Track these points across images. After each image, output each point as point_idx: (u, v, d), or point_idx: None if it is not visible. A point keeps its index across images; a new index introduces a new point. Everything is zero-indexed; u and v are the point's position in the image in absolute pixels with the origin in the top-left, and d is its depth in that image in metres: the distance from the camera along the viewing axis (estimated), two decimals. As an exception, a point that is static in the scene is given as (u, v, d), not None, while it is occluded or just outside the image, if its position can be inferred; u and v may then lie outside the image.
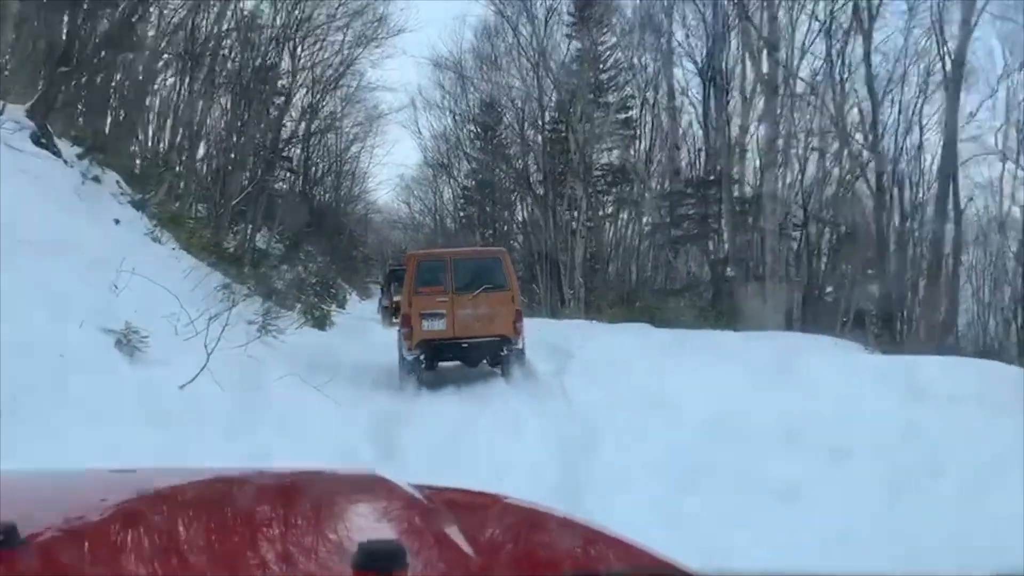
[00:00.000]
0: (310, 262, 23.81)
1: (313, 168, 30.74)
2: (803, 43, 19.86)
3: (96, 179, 9.87)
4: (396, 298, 10.59)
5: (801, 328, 16.09)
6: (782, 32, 17.65)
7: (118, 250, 6.53)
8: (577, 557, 1.18)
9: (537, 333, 10.92)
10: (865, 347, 9.70)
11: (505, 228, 33.00)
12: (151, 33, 14.56)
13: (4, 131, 8.05)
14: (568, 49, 27.24)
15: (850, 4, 17.24)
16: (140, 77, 15.37)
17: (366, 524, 1.25)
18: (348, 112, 29.27)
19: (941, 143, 14.26)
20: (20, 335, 4.03)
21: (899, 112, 19.96)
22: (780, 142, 16.83)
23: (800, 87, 18.89)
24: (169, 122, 18.40)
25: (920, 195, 20.54)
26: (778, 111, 16.49)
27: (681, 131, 24.55)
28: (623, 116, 27.17)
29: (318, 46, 23.55)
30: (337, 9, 22.09)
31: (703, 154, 23.75)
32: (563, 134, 26.48)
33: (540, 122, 27.54)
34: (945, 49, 16.97)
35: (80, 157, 10.00)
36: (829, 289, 21.47)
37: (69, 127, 11.55)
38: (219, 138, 20.55)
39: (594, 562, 1.16)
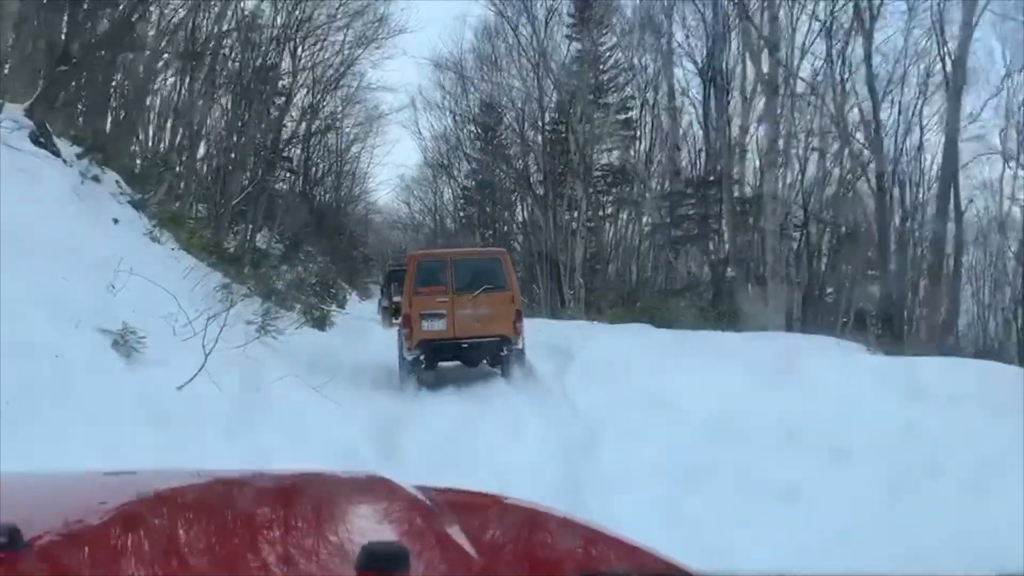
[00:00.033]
0: (310, 262, 23.83)
1: (313, 168, 30.74)
2: (803, 43, 19.88)
3: (95, 179, 9.85)
4: (396, 298, 10.57)
5: (801, 329, 16.08)
6: (782, 32, 17.64)
7: (116, 250, 6.51)
8: (579, 557, 1.18)
9: (537, 334, 10.91)
10: (867, 348, 9.68)
11: (505, 228, 33.01)
12: (151, 33, 14.56)
13: (3, 130, 8.03)
14: (568, 50, 27.28)
15: (851, 4, 17.23)
16: (140, 77, 15.36)
17: (368, 526, 1.25)
18: (348, 112, 29.33)
19: (942, 143, 14.28)
20: (15, 335, 4.01)
21: (899, 113, 20.00)
22: (781, 142, 16.81)
23: (800, 87, 18.90)
24: (169, 122, 18.41)
25: (920, 195, 20.57)
26: (779, 111, 16.46)
27: (681, 131, 24.57)
28: (623, 117, 27.17)
29: (318, 46, 23.58)
30: (338, 9, 22.12)
31: (703, 154, 23.77)
32: (563, 134, 26.48)
33: (540, 122, 27.54)
34: (945, 49, 16.98)
35: (79, 156, 9.97)
36: (829, 290, 21.47)
37: (69, 126, 11.53)
38: (219, 138, 20.55)
39: (596, 562, 1.16)
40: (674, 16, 22.51)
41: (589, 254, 26.19)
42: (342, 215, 33.83)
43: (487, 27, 28.90)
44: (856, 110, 18.27)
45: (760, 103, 20.20)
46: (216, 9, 16.30)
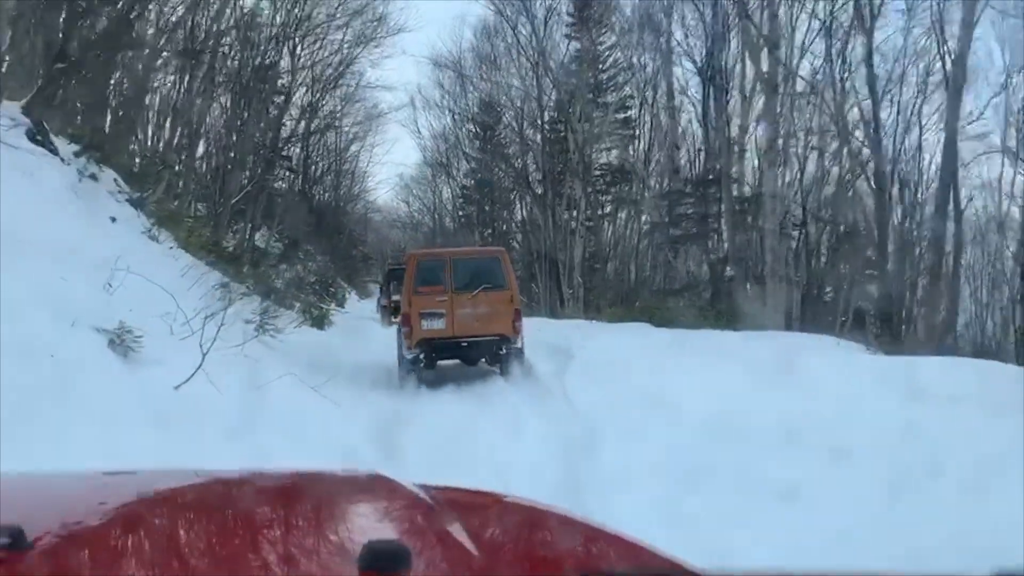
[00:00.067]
0: (309, 261, 23.80)
1: (313, 167, 30.70)
2: (803, 42, 19.87)
3: (93, 177, 9.82)
4: (395, 297, 10.59)
5: (800, 328, 16.07)
6: (782, 31, 17.62)
7: (114, 248, 6.48)
8: (580, 556, 1.18)
9: (537, 333, 10.91)
10: (866, 347, 9.65)
11: (504, 227, 32.99)
12: (150, 31, 14.52)
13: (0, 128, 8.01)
14: (567, 49, 27.26)
15: (851, 3, 17.23)
16: (139, 75, 15.32)
17: (370, 524, 1.25)
18: (348, 111, 29.27)
19: (942, 143, 14.27)
20: (10, 334, 3.99)
21: (898, 112, 19.99)
22: (780, 141, 16.79)
23: (800, 86, 18.89)
24: (168, 121, 18.36)
25: (920, 195, 20.57)
26: (778, 110, 16.45)
27: (680, 130, 24.55)
28: (622, 116, 27.15)
29: (318, 45, 23.56)
30: (337, 8, 22.08)
31: (702, 154, 23.73)
32: (562, 133, 26.46)
33: (539, 121, 27.52)
34: (945, 49, 16.98)
35: (77, 155, 9.94)
36: (827, 289, 21.45)
37: (67, 124, 11.50)
38: (218, 137, 20.52)
39: (597, 561, 1.16)
40: (673, 15, 22.53)
41: (588, 253, 26.17)
42: (341, 214, 33.80)
43: (486, 26, 28.93)
44: (856, 109, 18.28)
45: (759, 102, 20.20)
46: (215, 7, 16.27)
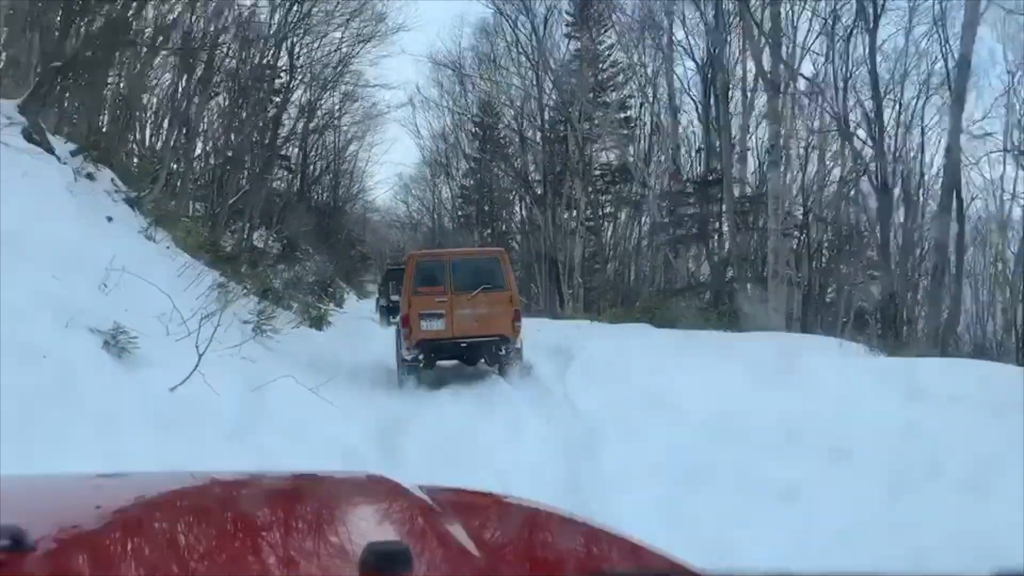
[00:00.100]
0: (307, 261, 23.74)
1: (311, 167, 30.64)
2: (804, 41, 19.85)
3: (90, 176, 9.75)
4: (394, 297, 10.60)
5: (801, 329, 16.04)
6: (784, 30, 17.57)
7: (109, 248, 6.43)
8: (581, 556, 1.18)
9: (537, 334, 10.88)
10: (869, 348, 9.60)
11: (504, 227, 32.97)
12: (148, 30, 14.46)
13: (-4, 127, 7.96)
14: (567, 48, 27.23)
15: (853, 1, 17.17)
16: (136, 74, 15.26)
17: (370, 526, 1.25)
18: (346, 110, 29.20)
19: (945, 143, 14.21)
20: (1, 335, 3.94)
21: (899, 112, 19.97)
22: (782, 140, 16.74)
23: (802, 85, 18.85)
24: (166, 120, 18.33)
25: (922, 195, 20.53)
26: (780, 109, 16.40)
27: (681, 129, 24.52)
28: (623, 115, 27.11)
29: (316, 44, 23.49)
30: (336, 7, 22.01)
31: (703, 153, 23.69)
32: (562, 133, 26.41)
33: (539, 121, 27.47)
34: (947, 48, 16.94)
35: (74, 154, 9.88)
36: (829, 290, 21.41)
37: (63, 124, 11.45)
38: (216, 136, 20.48)
39: (599, 561, 1.16)
40: (674, 14, 22.48)
41: (588, 253, 26.13)
42: (340, 214, 33.72)
43: (486, 25, 28.90)
44: (858, 109, 18.24)
45: (760, 101, 20.17)
46: (213, 5, 16.21)
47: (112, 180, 10.60)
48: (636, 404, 6.61)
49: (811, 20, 19.54)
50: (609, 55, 27.16)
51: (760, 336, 11.13)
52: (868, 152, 17.37)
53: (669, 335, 11.99)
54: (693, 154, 25.20)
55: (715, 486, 4.56)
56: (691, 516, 3.96)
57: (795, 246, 20.00)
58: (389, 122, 42.94)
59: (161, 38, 14.24)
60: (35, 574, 0.84)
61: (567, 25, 26.95)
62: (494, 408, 7.58)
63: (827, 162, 21.93)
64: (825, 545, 3.53)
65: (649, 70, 25.17)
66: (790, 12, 18.87)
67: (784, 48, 17.30)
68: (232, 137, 19.53)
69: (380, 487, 1.40)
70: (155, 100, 18.58)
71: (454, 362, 9.99)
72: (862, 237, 19.70)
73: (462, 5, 40.52)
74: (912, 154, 20.74)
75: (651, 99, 25.51)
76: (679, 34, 22.84)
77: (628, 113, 27.26)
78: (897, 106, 19.96)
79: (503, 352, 9.31)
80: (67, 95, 12.11)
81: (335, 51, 24.07)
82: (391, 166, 62.07)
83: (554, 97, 26.59)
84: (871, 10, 16.46)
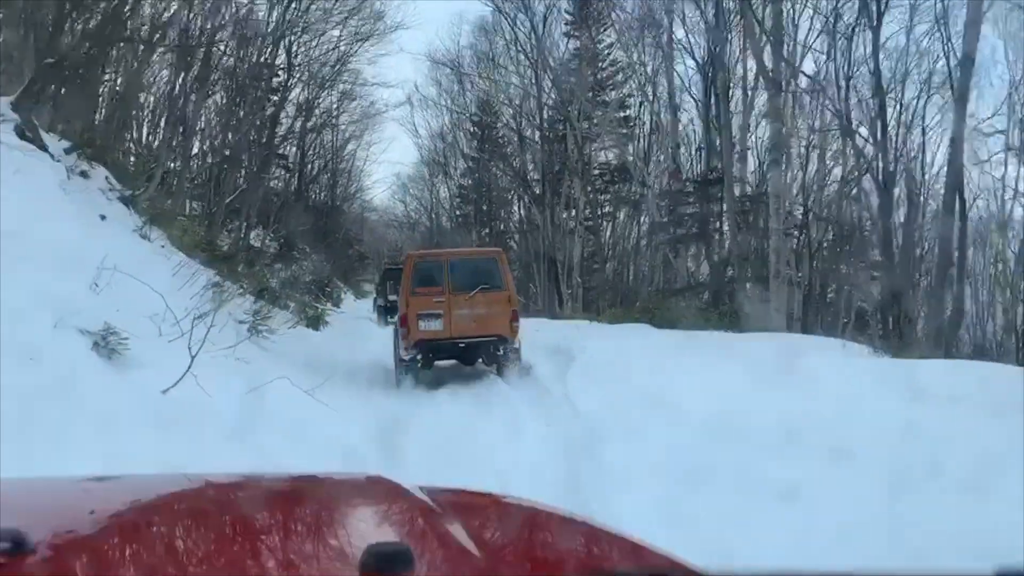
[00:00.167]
0: (305, 260, 23.64)
1: (309, 166, 30.52)
2: (806, 39, 19.77)
3: (84, 174, 9.64)
4: (392, 297, 10.57)
5: (801, 329, 15.95)
6: (785, 28, 17.49)
7: (102, 247, 6.31)
8: (581, 556, 1.19)
9: (535, 334, 10.84)
10: (872, 349, 9.52)
11: (502, 227, 32.87)
12: (145, 27, 14.31)
13: (-12, 124, 7.83)
14: (567, 46, 27.13)
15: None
16: (133, 71, 15.13)
17: (372, 527, 1.25)
18: (344, 109, 29.08)
19: (947, 143, 14.13)
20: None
21: (900, 111, 19.89)
22: (784, 139, 16.64)
23: (803, 83, 18.76)
24: (163, 118, 18.17)
25: (923, 194, 20.45)
26: (782, 108, 16.30)
27: (681, 127, 24.42)
28: (622, 114, 27.00)
29: (315, 42, 23.36)
30: (334, 5, 21.88)
31: (703, 152, 23.60)
32: (561, 132, 26.30)
33: (538, 120, 27.36)
34: (949, 46, 16.86)
35: (68, 152, 9.77)
36: (829, 290, 21.33)
37: (57, 121, 11.32)
38: (214, 135, 20.33)
39: (599, 561, 1.16)
40: (674, 12, 22.38)
41: (587, 253, 26.03)
42: (338, 213, 33.61)
43: (485, 23, 28.78)
44: (859, 107, 18.16)
45: (761, 100, 20.08)
46: (210, 2, 16.07)
47: (107, 178, 10.49)
48: (638, 404, 6.59)
49: (812, 18, 19.49)
50: (608, 54, 27.05)
51: (761, 336, 11.08)
52: (870, 150, 17.30)
53: (669, 335, 11.94)
54: (693, 153, 25.12)
55: (718, 487, 4.57)
56: (693, 517, 3.97)
57: (795, 246, 19.92)
58: (387, 121, 42.71)
59: (158, 35, 14.10)
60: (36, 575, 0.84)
61: (566, 24, 26.86)
62: (494, 409, 7.51)
63: (827, 161, 21.86)
64: (827, 545, 3.53)
65: (649, 69, 25.09)
66: (791, 10, 18.80)
67: (785, 46, 17.21)
68: (229, 136, 19.39)
69: (380, 488, 1.39)
70: (152, 98, 18.44)
71: (452, 362, 9.98)
72: (863, 236, 19.62)
73: (461, 3, 40.47)
74: (913, 154, 20.69)
75: (651, 98, 25.44)
76: (679, 33, 22.79)
77: (627, 112, 27.18)
78: (898, 106, 19.90)
79: (501, 352, 9.34)
80: (62, 92, 11.98)
81: (333, 49, 23.97)
82: (389, 165, 62.07)
83: (553, 96, 26.48)
84: (875, 7, 16.37)
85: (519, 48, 26.71)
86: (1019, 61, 17.98)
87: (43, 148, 9.15)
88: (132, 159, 15.64)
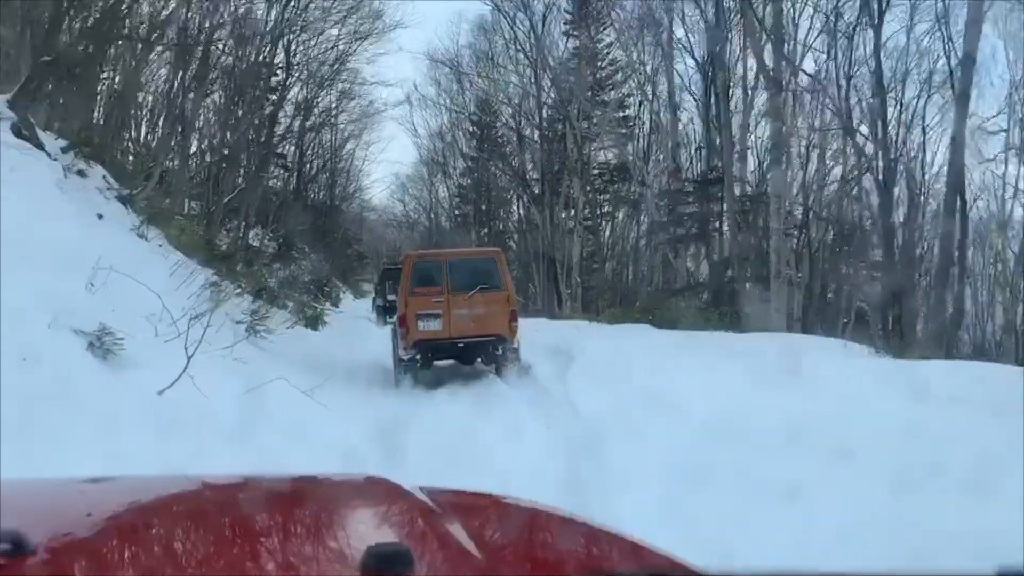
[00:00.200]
0: (303, 260, 23.57)
1: (307, 165, 30.44)
2: (806, 39, 19.73)
3: (81, 173, 9.59)
4: (391, 297, 10.54)
5: (801, 329, 15.90)
6: (786, 27, 17.44)
7: (98, 246, 6.25)
8: (582, 557, 1.19)
9: (535, 334, 10.82)
10: (875, 350, 9.48)
11: (501, 227, 32.80)
12: (143, 25, 14.24)
13: (-17, 122, 7.77)
14: (566, 46, 27.07)
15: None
16: (131, 70, 15.05)
17: (372, 527, 1.25)
18: (343, 108, 29.01)
19: (949, 141, 14.07)
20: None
21: (900, 111, 19.86)
22: (784, 139, 16.60)
23: (804, 82, 18.71)
24: (161, 117, 18.09)
25: (923, 194, 20.43)
26: (782, 107, 16.26)
27: (680, 127, 24.36)
28: (621, 114, 26.94)
29: (313, 41, 23.30)
30: (333, 3, 21.83)
31: (703, 152, 23.55)
32: (561, 132, 26.24)
33: (537, 119, 27.29)
34: (950, 46, 16.82)
35: (65, 150, 9.71)
36: (829, 290, 21.29)
37: (54, 120, 11.26)
38: (212, 134, 20.25)
39: (599, 561, 1.16)
40: (674, 11, 22.33)
41: (586, 253, 25.98)
42: (336, 213, 33.52)
43: (484, 22, 28.71)
44: (860, 106, 18.13)
45: (761, 100, 20.03)
46: (208, 1, 16.02)
47: (104, 177, 10.43)
48: (639, 405, 6.56)
49: (812, 17, 19.45)
50: (608, 53, 26.98)
51: (762, 337, 11.05)
52: (870, 149, 17.27)
53: (669, 335, 11.91)
54: (693, 152, 25.07)
55: (719, 487, 4.54)
56: (694, 517, 3.94)
57: (795, 245, 19.88)
58: (386, 120, 42.71)
59: (156, 34, 14.04)
60: None
61: (566, 23, 26.79)
62: (492, 409, 7.48)
63: (827, 161, 21.83)
64: (829, 545, 3.52)
65: (648, 68, 25.03)
66: (791, 9, 18.76)
67: (786, 45, 17.16)
68: (228, 135, 19.31)
69: (379, 489, 1.39)
70: (150, 97, 18.37)
71: (451, 362, 9.98)
72: (863, 236, 19.59)
73: (460, 2, 40.39)
74: (913, 153, 20.67)
75: (650, 97, 25.38)
76: (679, 32, 22.74)
77: (627, 112, 27.11)
78: (898, 106, 19.87)
79: (500, 352, 9.35)
80: (59, 90, 11.92)
81: (332, 48, 23.93)
82: (388, 165, 61.95)
83: (552, 95, 26.42)
84: (876, 6, 16.32)
85: (518, 47, 26.69)
86: (1019, 61, 17.98)
87: (40, 147, 9.09)
88: (130, 158, 15.56)
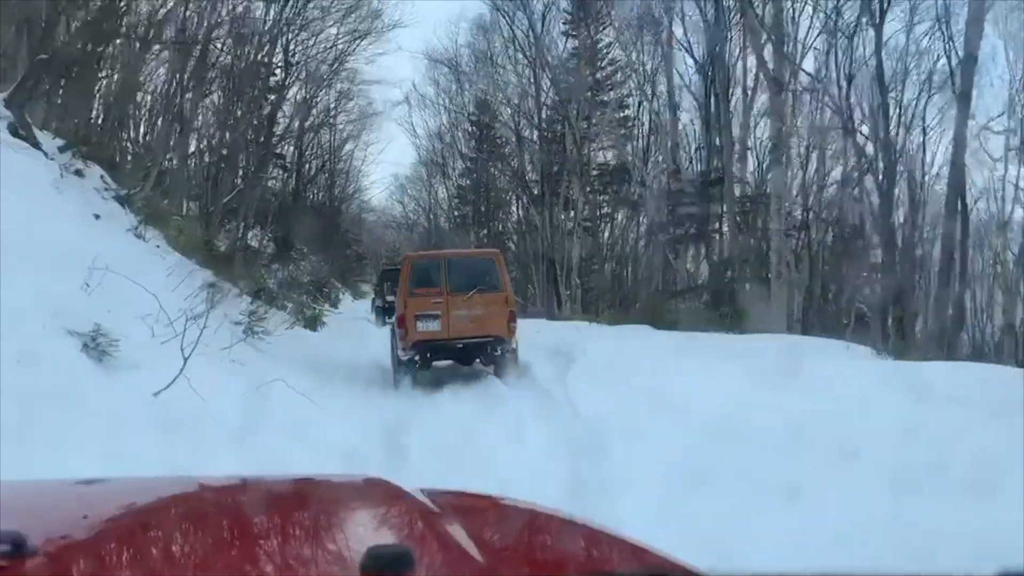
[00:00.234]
0: (302, 261, 23.53)
1: (306, 166, 30.39)
2: (806, 39, 19.70)
3: (78, 173, 9.55)
4: (389, 298, 10.51)
5: (801, 330, 15.86)
6: (787, 27, 17.40)
7: (94, 246, 6.19)
8: (582, 558, 1.18)
9: (535, 335, 10.80)
10: (877, 352, 9.44)
11: (500, 228, 32.75)
12: (140, 24, 14.19)
13: (-21, 121, 7.72)
14: (565, 46, 27.02)
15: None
16: (129, 69, 15.00)
17: (372, 529, 1.25)
18: (342, 109, 28.97)
19: (951, 142, 14.05)
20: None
21: (900, 112, 19.83)
22: (785, 139, 16.56)
23: (804, 83, 18.68)
24: (159, 117, 18.04)
25: (923, 195, 20.39)
26: (783, 107, 16.22)
27: (681, 127, 24.33)
28: (621, 114, 26.90)
29: (312, 41, 23.27)
30: (332, 3, 21.80)
31: (702, 152, 23.52)
32: (560, 132, 26.19)
33: (537, 119, 27.24)
34: (951, 46, 16.79)
35: (62, 150, 9.67)
36: (829, 291, 21.25)
37: (52, 119, 11.21)
38: (211, 134, 20.20)
39: (599, 563, 1.16)
40: (673, 11, 22.30)
41: (586, 254, 25.93)
42: (335, 214, 33.48)
43: (483, 22, 28.66)
44: (860, 106, 18.10)
45: (761, 100, 20.00)
46: (206, 0, 15.96)
47: (102, 177, 10.40)
48: (640, 406, 6.49)
49: (812, 17, 19.42)
50: (607, 53, 26.94)
51: (763, 338, 11.01)
52: (870, 150, 17.24)
53: (670, 337, 11.89)
54: (693, 153, 25.03)
55: (722, 488, 4.51)
56: (696, 518, 3.92)
57: (795, 246, 19.85)
58: (385, 121, 42.66)
59: (153, 32, 13.98)
60: None
61: (565, 22, 26.74)
62: (494, 411, 7.44)
63: (828, 161, 21.79)
64: (831, 546, 3.53)
65: (648, 68, 24.99)
66: (791, 8, 18.72)
67: (786, 45, 17.12)
68: (227, 135, 19.26)
69: (380, 490, 1.39)
70: (149, 97, 18.31)
71: (449, 363, 9.98)
72: (864, 237, 19.55)
73: (459, 2, 40.35)
74: (912, 154, 20.64)
75: (650, 97, 25.33)
76: (678, 31, 22.70)
77: (626, 112, 27.07)
78: (898, 107, 19.84)
79: (498, 353, 9.34)
80: (57, 89, 11.87)
81: (331, 48, 23.89)
82: (387, 166, 62.09)
83: (552, 95, 26.37)
84: (877, 5, 16.28)
85: (517, 47, 26.64)
86: (1019, 61, 17.95)
87: (36, 146, 9.06)
88: (128, 158, 15.51)
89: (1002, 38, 17.95)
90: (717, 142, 21.10)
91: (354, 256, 35.05)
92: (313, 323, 13.88)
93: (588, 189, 25.80)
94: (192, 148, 19.69)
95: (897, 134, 19.45)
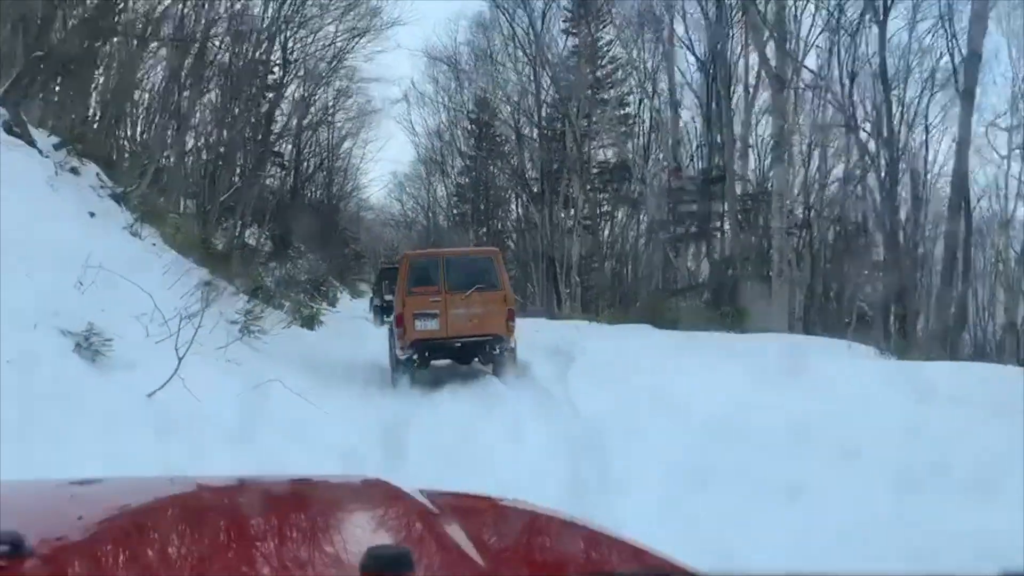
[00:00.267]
0: (300, 259, 23.48)
1: (304, 163, 30.31)
2: (808, 36, 19.63)
3: (74, 170, 9.48)
4: (388, 296, 10.47)
5: (803, 329, 15.81)
6: (789, 24, 17.33)
7: (89, 244, 6.13)
8: (582, 559, 1.18)
9: (535, 335, 10.77)
10: (880, 351, 9.39)
11: (500, 226, 32.68)
12: (137, 21, 14.11)
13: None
14: (566, 43, 26.94)
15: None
16: (125, 66, 14.92)
17: (371, 530, 1.25)
18: (341, 106, 28.88)
19: (954, 140, 14.00)
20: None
21: (903, 110, 19.78)
22: (787, 136, 16.50)
23: (806, 80, 18.61)
24: (156, 115, 17.97)
25: (925, 193, 20.34)
26: (785, 105, 16.15)
27: (682, 124, 24.26)
28: (622, 112, 26.83)
29: (310, 38, 23.18)
30: (331, 0, 21.72)
31: (704, 150, 23.45)
32: (560, 130, 26.13)
33: (537, 117, 27.18)
34: (954, 43, 16.72)
35: (57, 147, 9.60)
36: (831, 289, 21.20)
37: (47, 116, 11.14)
38: (208, 131, 20.12)
39: (600, 564, 1.16)
40: (675, 9, 22.23)
41: (585, 252, 25.88)
42: (333, 212, 33.42)
43: (482, 19, 28.60)
44: (863, 104, 18.04)
45: (762, 97, 19.93)
46: (204, -2, 15.89)
47: (98, 175, 10.33)
48: (640, 406, 6.46)
49: (814, 14, 19.35)
50: (608, 50, 26.87)
51: (765, 337, 10.98)
52: (872, 147, 17.17)
53: (670, 336, 11.86)
54: (693, 150, 24.97)
55: (723, 488, 4.49)
56: (697, 518, 3.90)
57: (797, 245, 19.79)
58: (384, 119, 42.56)
59: (151, 29, 13.91)
60: None
61: (565, 20, 26.67)
62: (493, 411, 7.39)
63: (829, 159, 21.73)
64: (833, 545, 3.52)
65: (649, 65, 24.92)
66: (793, 6, 18.66)
67: (788, 42, 17.05)
68: (224, 132, 19.18)
69: (379, 491, 1.39)
70: (146, 95, 18.23)
71: (448, 362, 9.97)
72: (866, 235, 19.51)
73: (458, 4, 40.19)
74: (914, 152, 20.58)
75: (651, 95, 25.26)
76: (679, 28, 22.63)
77: (627, 110, 27.00)
78: (901, 105, 19.77)
79: (497, 351, 9.32)
80: (54, 87, 11.81)
81: (329, 46, 23.79)
82: (386, 163, 61.93)
83: (552, 93, 26.30)
84: (880, 1, 16.19)
85: (517, 45, 26.57)
86: (1023, 58, 17.88)
87: (31, 143, 8.99)
88: (125, 156, 15.45)
89: (1005, 35, 17.91)
90: (718, 140, 21.05)
91: (352, 254, 35.00)
92: (311, 322, 13.82)
93: (588, 187, 25.74)
94: (189, 146, 19.60)
95: (900, 132, 19.41)
